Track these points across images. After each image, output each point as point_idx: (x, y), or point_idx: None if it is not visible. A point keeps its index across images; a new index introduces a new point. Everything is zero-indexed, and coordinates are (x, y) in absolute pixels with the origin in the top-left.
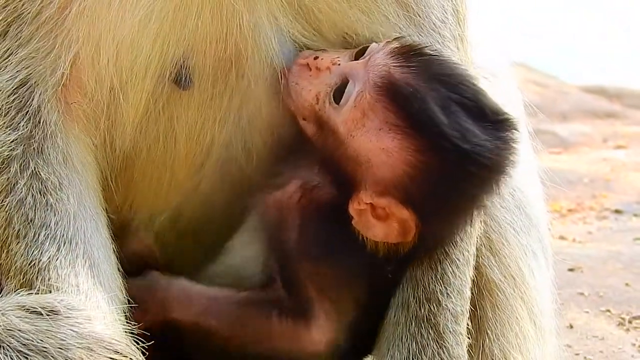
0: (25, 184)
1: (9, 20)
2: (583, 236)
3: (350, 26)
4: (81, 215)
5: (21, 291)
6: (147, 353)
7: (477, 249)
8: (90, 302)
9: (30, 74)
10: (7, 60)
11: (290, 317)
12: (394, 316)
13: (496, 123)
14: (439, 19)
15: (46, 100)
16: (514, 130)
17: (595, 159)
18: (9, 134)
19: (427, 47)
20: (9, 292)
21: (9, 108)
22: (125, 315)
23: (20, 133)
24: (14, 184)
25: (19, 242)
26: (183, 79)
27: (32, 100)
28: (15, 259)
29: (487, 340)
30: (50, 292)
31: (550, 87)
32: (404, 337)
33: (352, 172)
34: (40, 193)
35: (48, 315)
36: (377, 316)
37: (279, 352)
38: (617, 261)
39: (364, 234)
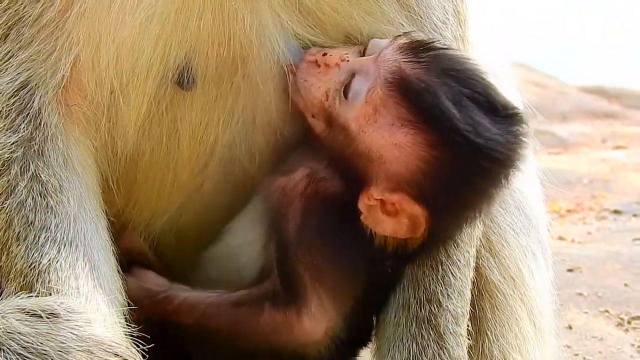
0: (25, 186)
1: (10, 23)
2: (582, 237)
3: (353, 26)
4: (81, 218)
5: (21, 294)
6: (147, 356)
7: (476, 250)
8: (91, 304)
9: (31, 76)
10: (7, 62)
11: (281, 307)
12: (395, 317)
13: (507, 117)
14: (440, 20)
15: (47, 103)
16: (524, 125)
17: (595, 159)
18: (10, 137)
19: (435, 41)
20: (9, 295)
21: (9, 110)
22: (125, 318)
23: (20, 135)
24: (14, 186)
25: (19, 245)
26: (186, 80)
27: (33, 102)
28: (16, 261)
29: (486, 341)
30: (50, 294)
31: (550, 87)
32: (404, 338)
33: (363, 168)
34: (40, 195)
35: (48, 318)
36: (374, 308)
37: (275, 345)
38: (616, 262)
39: (372, 229)
